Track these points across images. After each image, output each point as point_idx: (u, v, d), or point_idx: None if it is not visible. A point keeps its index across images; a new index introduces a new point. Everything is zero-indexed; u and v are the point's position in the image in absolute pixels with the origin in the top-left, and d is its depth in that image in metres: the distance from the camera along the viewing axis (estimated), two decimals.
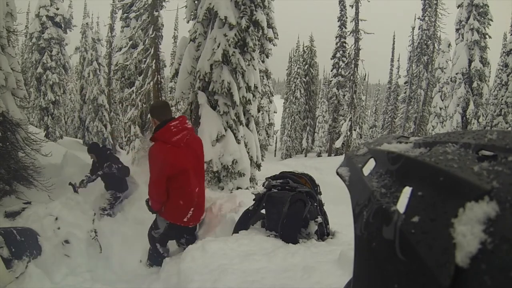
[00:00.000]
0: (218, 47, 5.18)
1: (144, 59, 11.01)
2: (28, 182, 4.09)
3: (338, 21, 19.88)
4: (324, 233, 2.94)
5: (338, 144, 17.89)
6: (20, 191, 3.97)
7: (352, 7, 15.62)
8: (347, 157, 0.41)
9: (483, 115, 13.44)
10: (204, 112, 5.44)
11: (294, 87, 24.53)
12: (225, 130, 5.44)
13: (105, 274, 3.23)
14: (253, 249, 2.33)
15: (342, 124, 17.47)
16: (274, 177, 3.11)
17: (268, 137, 20.76)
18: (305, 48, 24.90)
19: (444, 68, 15.36)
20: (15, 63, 4.28)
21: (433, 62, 18.30)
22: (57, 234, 3.03)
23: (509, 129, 12.79)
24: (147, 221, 3.46)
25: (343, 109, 20.13)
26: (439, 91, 15.37)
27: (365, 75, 22.62)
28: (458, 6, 12.97)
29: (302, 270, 1.92)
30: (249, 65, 5.51)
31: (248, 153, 5.87)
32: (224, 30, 5.21)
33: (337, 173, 0.40)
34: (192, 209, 2.92)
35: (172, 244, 3.96)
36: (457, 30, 13.08)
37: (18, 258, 2.54)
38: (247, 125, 5.99)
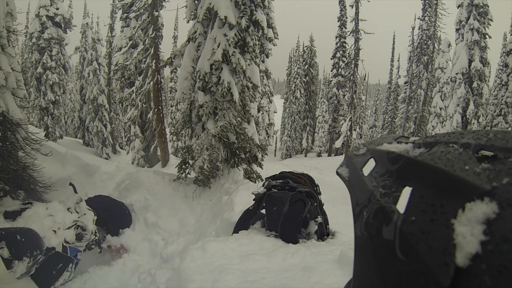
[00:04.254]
0: (218, 47, 5.18)
1: (144, 59, 11.02)
2: (28, 182, 4.09)
3: (338, 21, 19.89)
4: (324, 233, 2.94)
5: (338, 144, 17.89)
6: (20, 191, 3.97)
7: (352, 7, 15.61)
8: (347, 157, 0.41)
9: (483, 115, 13.43)
10: (204, 112, 5.45)
11: (294, 87, 24.53)
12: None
13: (105, 274, 3.25)
14: (253, 249, 2.33)
15: (342, 124, 17.47)
16: (274, 177, 3.11)
17: (268, 137, 20.76)
18: (305, 48, 24.91)
19: (444, 68, 15.36)
20: (15, 63, 4.28)
21: (433, 62, 18.30)
22: (57, 235, 3.03)
23: (509, 129, 12.73)
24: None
25: (343, 109, 20.14)
26: (439, 91, 15.37)
27: (365, 75, 22.62)
28: (458, 6, 12.96)
29: (302, 270, 1.92)
30: (249, 65, 5.51)
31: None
32: (224, 30, 5.21)
33: (337, 173, 0.40)
34: None
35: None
36: (457, 30, 13.07)
37: (19, 259, 2.55)
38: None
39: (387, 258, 0.26)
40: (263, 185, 3.08)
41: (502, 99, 16.28)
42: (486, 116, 16.73)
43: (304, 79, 24.67)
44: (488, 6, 12.44)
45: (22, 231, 2.74)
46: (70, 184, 4.06)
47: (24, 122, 4.13)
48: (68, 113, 20.30)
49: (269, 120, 19.94)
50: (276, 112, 21.17)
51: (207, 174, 5.40)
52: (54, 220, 3.08)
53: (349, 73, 17.52)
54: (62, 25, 13.70)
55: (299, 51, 25.90)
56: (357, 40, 15.59)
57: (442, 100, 15.11)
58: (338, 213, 4.33)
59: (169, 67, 6.76)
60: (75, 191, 3.95)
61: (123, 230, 4.30)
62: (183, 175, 5.74)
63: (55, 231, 3.01)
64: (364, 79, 21.30)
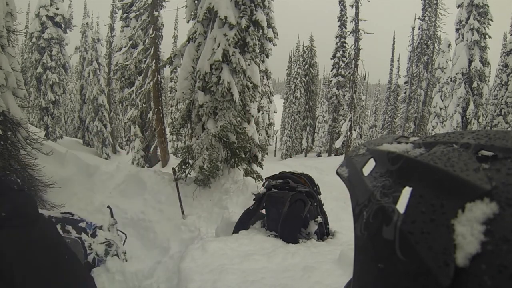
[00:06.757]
0: (218, 46, 5.18)
1: (144, 59, 11.01)
2: (29, 181, 4.09)
3: (338, 21, 19.88)
4: (324, 233, 2.94)
5: (338, 144, 17.89)
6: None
7: (352, 7, 15.59)
8: (347, 157, 0.41)
9: (483, 115, 13.42)
10: (204, 112, 5.45)
11: (294, 87, 24.52)
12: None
13: (104, 274, 3.30)
14: (253, 249, 2.33)
15: (342, 124, 17.46)
16: (274, 177, 3.11)
17: (268, 137, 20.75)
18: (305, 48, 24.89)
19: (444, 68, 15.36)
20: (15, 63, 4.28)
21: (433, 62, 18.29)
22: (92, 249, 3.20)
23: (509, 129, 12.75)
24: None
25: (343, 109, 20.14)
26: (439, 91, 15.37)
27: (365, 75, 22.59)
28: (458, 6, 12.96)
29: (302, 270, 1.92)
30: (249, 64, 5.51)
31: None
32: (224, 30, 5.21)
33: (337, 173, 0.40)
34: None
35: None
36: (457, 30, 13.06)
37: None
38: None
39: (387, 258, 0.26)
40: (263, 185, 3.08)
41: (502, 99, 16.27)
42: (486, 116, 16.73)
43: (304, 79, 24.65)
44: (488, 6, 12.43)
45: (76, 245, 2.83)
46: (108, 207, 4.08)
47: (25, 121, 4.14)
48: (68, 113, 20.30)
49: (269, 120, 19.94)
50: (276, 112, 21.17)
51: (207, 174, 5.40)
52: (89, 235, 3.23)
53: (349, 73, 17.51)
54: (62, 25, 13.70)
55: (299, 51, 25.88)
56: (357, 40, 15.58)
57: (442, 100, 15.11)
58: (338, 212, 4.33)
59: (169, 67, 6.77)
60: (112, 215, 4.01)
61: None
62: (183, 175, 5.74)
63: (90, 244, 3.18)
64: (364, 79, 21.29)
